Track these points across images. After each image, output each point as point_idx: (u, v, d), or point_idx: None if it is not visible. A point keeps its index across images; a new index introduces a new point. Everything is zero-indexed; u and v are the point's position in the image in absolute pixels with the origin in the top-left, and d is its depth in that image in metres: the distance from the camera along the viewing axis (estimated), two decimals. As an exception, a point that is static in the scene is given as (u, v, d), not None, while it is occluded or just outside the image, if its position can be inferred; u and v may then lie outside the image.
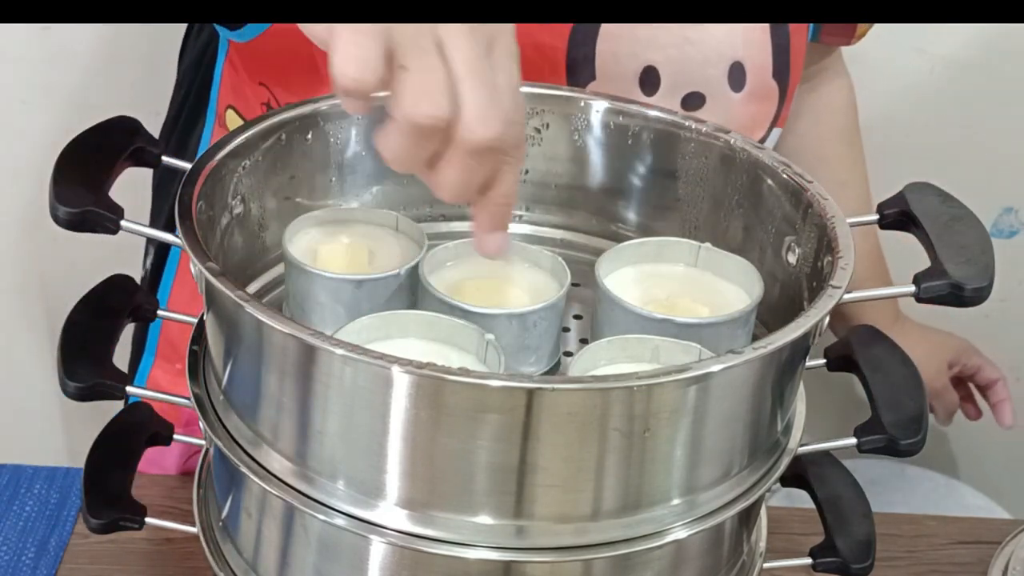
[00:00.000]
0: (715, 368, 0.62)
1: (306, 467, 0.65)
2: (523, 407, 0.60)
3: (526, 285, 0.78)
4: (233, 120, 1.06)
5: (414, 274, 0.75)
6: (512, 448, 0.61)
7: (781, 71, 0.99)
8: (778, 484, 0.71)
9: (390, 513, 0.63)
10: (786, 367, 0.67)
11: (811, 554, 0.76)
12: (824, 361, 0.77)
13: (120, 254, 1.07)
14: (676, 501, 0.65)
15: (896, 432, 0.71)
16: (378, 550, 0.66)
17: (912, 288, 0.69)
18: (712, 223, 0.82)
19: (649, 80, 0.95)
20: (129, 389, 0.71)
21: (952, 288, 0.68)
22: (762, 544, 0.76)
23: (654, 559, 0.67)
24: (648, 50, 0.95)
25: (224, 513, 0.73)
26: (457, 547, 0.63)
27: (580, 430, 0.61)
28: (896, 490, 1.39)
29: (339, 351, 0.60)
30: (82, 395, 0.70)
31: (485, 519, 0.63)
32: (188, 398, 0.71)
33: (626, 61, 0.95)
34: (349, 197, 0.82)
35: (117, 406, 0.83)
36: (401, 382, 0.60)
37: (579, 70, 0.94)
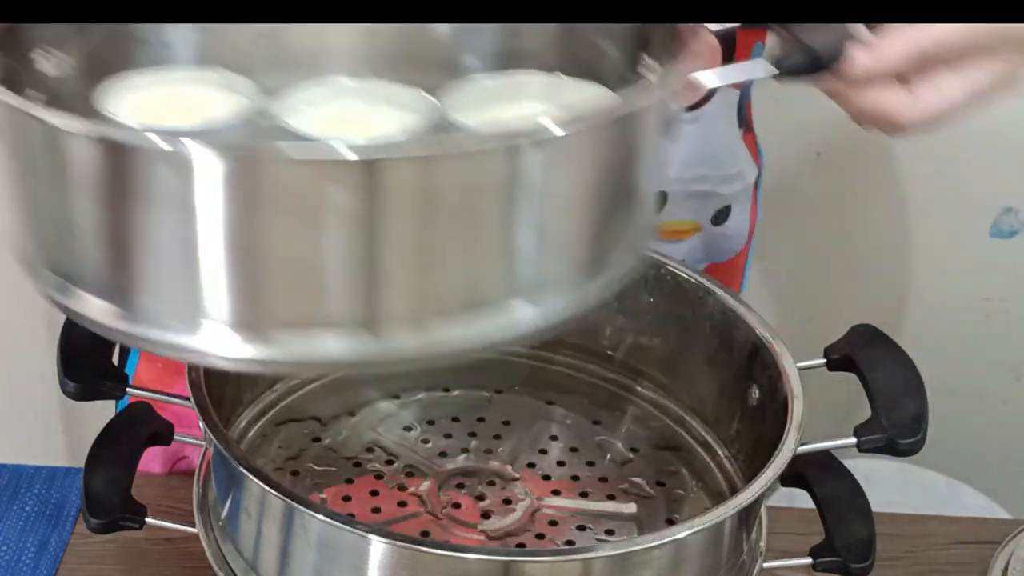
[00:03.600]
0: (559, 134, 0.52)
1: (126, 304, 0.56)
2: (362, 185, 0.51)
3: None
4: None
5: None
6: (352, 239, 0.52)
7: None
8: (778, 484, 0.71)
9: (221, 338, 0.54)
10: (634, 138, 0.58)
11: (811, 554, 0.76)
12: (824, 361, 0.77)
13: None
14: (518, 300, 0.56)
15: (896, 432, 0.71)
16: (378, 550, 0.66)
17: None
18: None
19: None
20: (129, 389, 0.71)
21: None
22: (762, 544, 0.77)
23: (654, 558, 0.67)
24: None
25: (224, 513, 0.73)
26: (457, 548, 0.63)
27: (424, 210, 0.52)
28: (896, 490, 1.39)
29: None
30: (82, 395, 0.70)
31: (329, 335, 0.54)
32: (188, 398, 0.71)
33: None
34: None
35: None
36: (205, 167, 0.50)
37: None
